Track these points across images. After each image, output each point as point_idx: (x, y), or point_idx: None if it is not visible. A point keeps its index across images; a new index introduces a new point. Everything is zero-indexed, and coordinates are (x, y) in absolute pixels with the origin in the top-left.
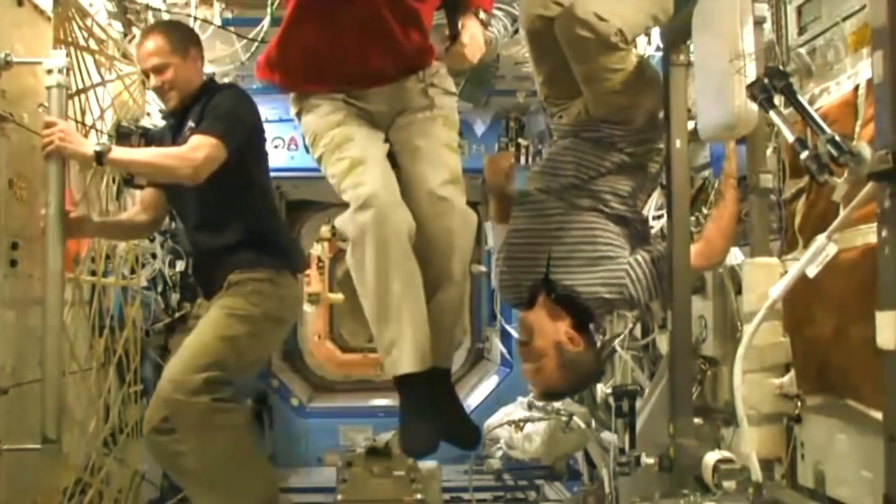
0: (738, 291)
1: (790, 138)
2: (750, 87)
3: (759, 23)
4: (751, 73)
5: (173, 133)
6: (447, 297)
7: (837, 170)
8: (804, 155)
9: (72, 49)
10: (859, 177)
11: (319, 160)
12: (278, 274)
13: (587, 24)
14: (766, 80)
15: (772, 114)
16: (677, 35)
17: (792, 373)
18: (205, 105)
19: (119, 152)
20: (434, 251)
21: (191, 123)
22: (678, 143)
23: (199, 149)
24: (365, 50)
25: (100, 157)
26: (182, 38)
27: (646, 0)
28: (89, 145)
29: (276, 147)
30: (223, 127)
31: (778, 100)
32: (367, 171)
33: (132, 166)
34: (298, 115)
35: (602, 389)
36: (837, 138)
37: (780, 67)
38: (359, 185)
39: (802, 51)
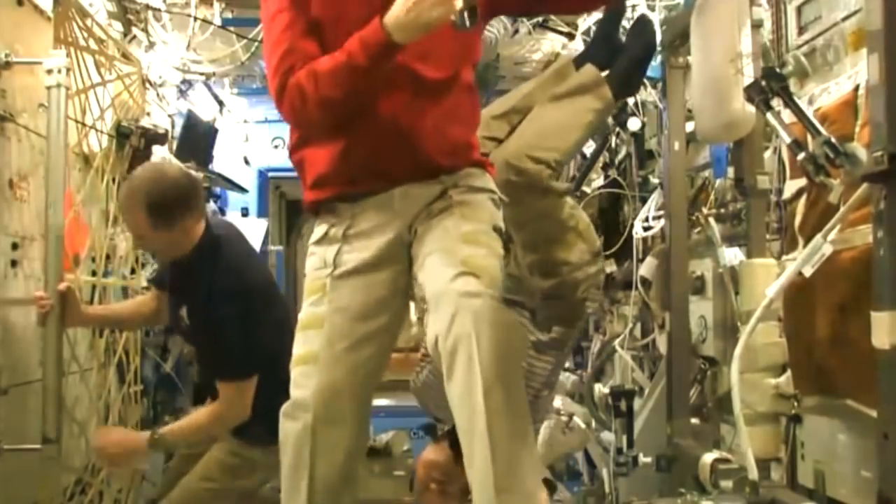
0: (738, 291)
1: (787, 140)
2: (747, 89)
3: (756, 26)
4: (749, 74)
5: (172, 281)
6: (481, 441)
7: (833, 171)
8: (801, 156)
9: (72, 49)
10: (854, 178)
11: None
12: (267, 449)
13: (518, 169)
14: (763, 83)
15: (769, 116)
16: (675, 37)
17: (789, 373)
18: (210, 281)
19: (169, 433)
20: (453, 381)
21: (186, 314)
22: (676, 145)
23: (235, 404)
24: (375, 140)
25: (154, 443)
26: (167, 210)
27: (581, 110)
28: (141, 442)
29: (276, 147)
30: (240, 363)
31: (775, 101)
32: (313, 373)
33: (185, 443)
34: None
35: (600, 389)
36: (833, 140)
37: (777, 69)
38: (297, 385)
39: (799, 52)
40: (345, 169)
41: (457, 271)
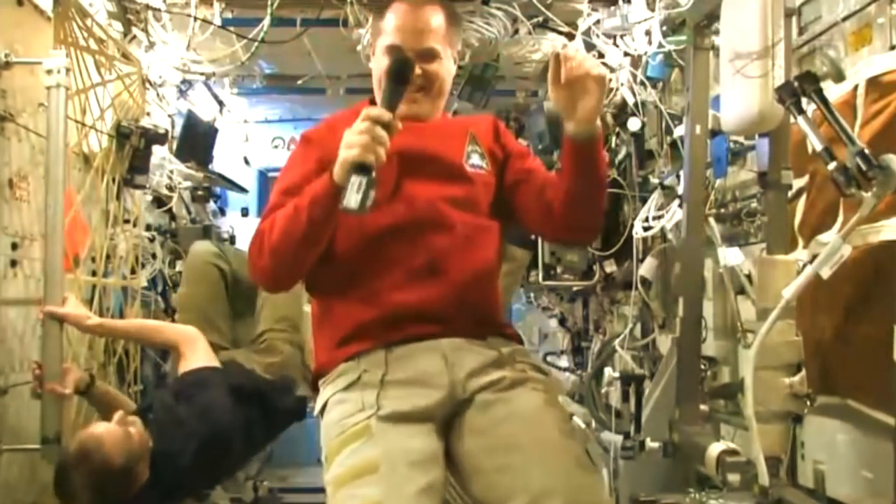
0: (738, 292)
1: (818, 147)
2: (778, 90)
3: (788, 15)
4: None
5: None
6: None
7: (865, 183)
8: (832, 166)
9: (72, 49)
10: (887, 190)
11: (327, 490)
12: None
13: None
14: (795, 84)
15: (800, 120)
16: (703, 17)
17: (803, 372)
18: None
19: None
20: None
21: None
22: (698, 129)
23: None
24: (419, 279)
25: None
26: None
27: None
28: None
29: (276, 147)
30: None
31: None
32: None
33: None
34: (321, 414)
35: (609, 373)
36: (866, 151)
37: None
38: None
39: (833, 54)
40: (388, 313)
41: (573, 469)
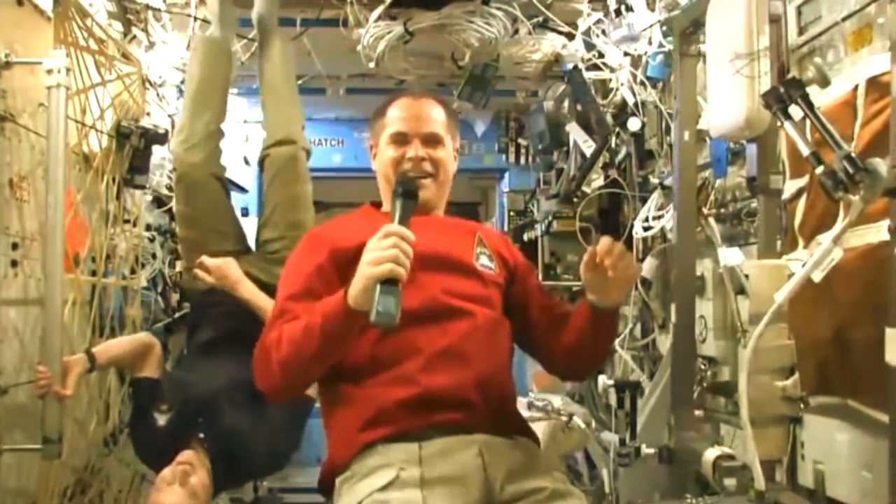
0: (738, 292)
1: (805, 152)
2: (765, 95)
3: (774, 20)
4: (765, 72)
5: None
6: None
7: (852, 186)
8: (820, 170)
9: (72, 49)
10: (875, 193)
11: None
12: None
13: None
14: (781, 90)
15: (787, 125)
16: (689, 24)
17: (796, 375)
18: None
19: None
20: None
21: None
22: (686, 136)
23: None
24: (439, 364)
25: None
26: None
27: None
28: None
29: None
30: None
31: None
32: None
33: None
34: None
35: (604, 381)
36: (853, 154)
37: (796, 75)
38: None
39: (819, 60)
40: (414, 395)
41: None
